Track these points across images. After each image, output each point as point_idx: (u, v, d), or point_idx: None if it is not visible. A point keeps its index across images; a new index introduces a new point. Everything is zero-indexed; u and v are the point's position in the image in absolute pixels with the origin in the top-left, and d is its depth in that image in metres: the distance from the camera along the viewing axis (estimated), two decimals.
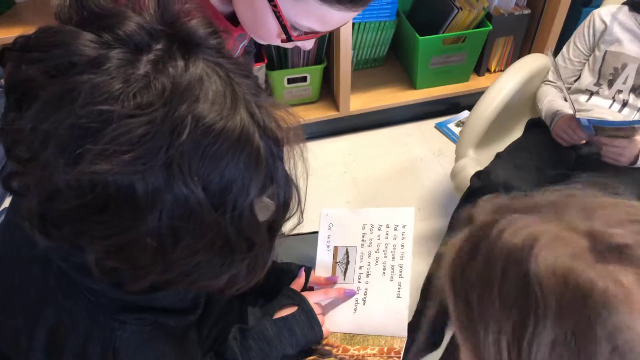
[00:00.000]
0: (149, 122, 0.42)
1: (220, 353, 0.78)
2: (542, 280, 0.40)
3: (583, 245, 0.41)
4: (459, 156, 1.59)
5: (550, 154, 1.42)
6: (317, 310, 0.86)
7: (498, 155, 1.44)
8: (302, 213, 0.54)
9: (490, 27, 1.96)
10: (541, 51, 2.08)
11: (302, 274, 0.93)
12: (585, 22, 1.45)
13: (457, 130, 2.12)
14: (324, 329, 0.87)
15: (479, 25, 1.96)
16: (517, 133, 1.62)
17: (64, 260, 0.54)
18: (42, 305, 0.56)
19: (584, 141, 1.36)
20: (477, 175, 1.37)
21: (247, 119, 0.46)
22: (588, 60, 1.45)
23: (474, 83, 2.12)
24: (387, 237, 0.96)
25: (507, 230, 0.44)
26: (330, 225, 0.99)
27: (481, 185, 1.34)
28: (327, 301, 0.92)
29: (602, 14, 1.41)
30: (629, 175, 1.30)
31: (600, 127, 1.28)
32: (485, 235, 0.46)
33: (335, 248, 0.97)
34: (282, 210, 0.52)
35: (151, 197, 0.43)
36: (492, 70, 2.17)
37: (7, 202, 1.41)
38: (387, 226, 0.95)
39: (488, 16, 1.97)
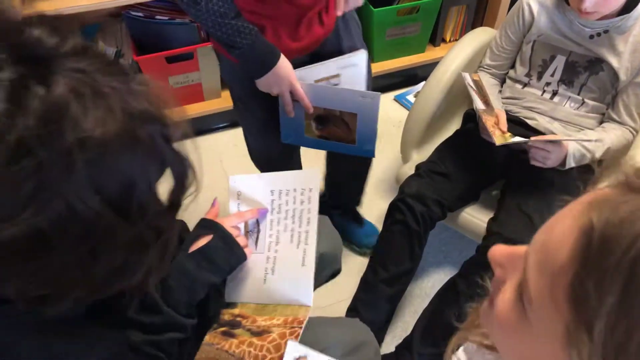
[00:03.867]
0: (36, 172, 0.38)
1: (142, 306, 0.73)
2: None
3: None
4: (404, 156, 1.60)
5: (480, 151, 1.40)
6: (234, 233, 0.83)
7: (417, 167, 1.45)
8: (197, 182, 0.54)
9: None
10: (494, 19, 2.10)
11: (217, 203, 0.90)
12: (515, 9, 1.40)
13: None
14: (246, 250, 0.85)
15: None
16: (457, 123, 1.62)
17: None
18: None
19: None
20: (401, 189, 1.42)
21: (124, 117, 0.43)
22: (521, 48, 1.41)
23: (431, 53, 2.13)
24: (294, 203, 0.91)
25: None
26: (239, 193, 0.94)
27: (397, 199, 1.40)
28: (243, 223, 0.90)
29: (530, 3, 1.35)
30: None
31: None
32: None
33: None
34: (180, 186, 0.52)
35: (57, 228, 0.41)
36: (448, 40, 2.18)
37: None
38: (295, 190, 0.91)
39: None
